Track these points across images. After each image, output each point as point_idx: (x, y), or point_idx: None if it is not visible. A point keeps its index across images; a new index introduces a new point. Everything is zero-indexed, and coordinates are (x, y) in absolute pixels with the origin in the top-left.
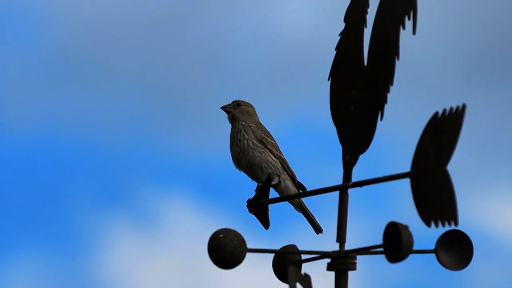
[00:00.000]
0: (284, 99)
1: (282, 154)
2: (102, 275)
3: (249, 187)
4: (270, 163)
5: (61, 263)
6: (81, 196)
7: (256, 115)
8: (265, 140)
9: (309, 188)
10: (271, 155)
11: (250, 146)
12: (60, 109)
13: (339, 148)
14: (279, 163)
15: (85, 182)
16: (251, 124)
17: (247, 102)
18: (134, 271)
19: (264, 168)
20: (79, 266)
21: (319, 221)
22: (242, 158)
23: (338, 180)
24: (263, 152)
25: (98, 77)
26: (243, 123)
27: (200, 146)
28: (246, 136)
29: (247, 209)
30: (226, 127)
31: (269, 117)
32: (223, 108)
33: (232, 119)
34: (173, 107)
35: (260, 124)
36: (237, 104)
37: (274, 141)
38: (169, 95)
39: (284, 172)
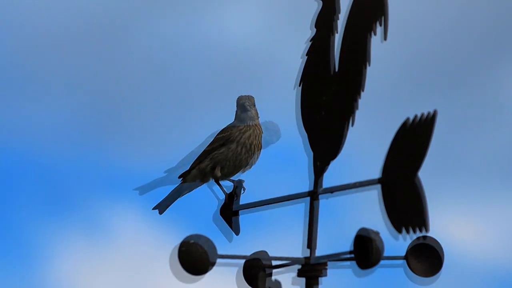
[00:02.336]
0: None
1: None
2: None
3: (201, 195)
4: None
5: (9, 276)
6: (28, 208)
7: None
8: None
9: (278, 194)
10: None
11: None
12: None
13: (303, 155)
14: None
15: (31, 193)
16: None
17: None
18: (85, 281)
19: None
20: (28, 279)
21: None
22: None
23: (305, 187)
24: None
25: (41, 86)
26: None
27: (149, 155)
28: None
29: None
30: (172, 136)
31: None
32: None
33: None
34: (119, 115)
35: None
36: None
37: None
38: (115, 104)
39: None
